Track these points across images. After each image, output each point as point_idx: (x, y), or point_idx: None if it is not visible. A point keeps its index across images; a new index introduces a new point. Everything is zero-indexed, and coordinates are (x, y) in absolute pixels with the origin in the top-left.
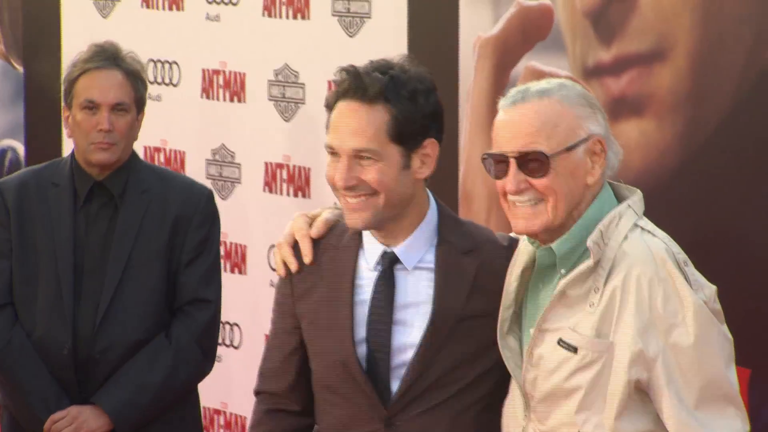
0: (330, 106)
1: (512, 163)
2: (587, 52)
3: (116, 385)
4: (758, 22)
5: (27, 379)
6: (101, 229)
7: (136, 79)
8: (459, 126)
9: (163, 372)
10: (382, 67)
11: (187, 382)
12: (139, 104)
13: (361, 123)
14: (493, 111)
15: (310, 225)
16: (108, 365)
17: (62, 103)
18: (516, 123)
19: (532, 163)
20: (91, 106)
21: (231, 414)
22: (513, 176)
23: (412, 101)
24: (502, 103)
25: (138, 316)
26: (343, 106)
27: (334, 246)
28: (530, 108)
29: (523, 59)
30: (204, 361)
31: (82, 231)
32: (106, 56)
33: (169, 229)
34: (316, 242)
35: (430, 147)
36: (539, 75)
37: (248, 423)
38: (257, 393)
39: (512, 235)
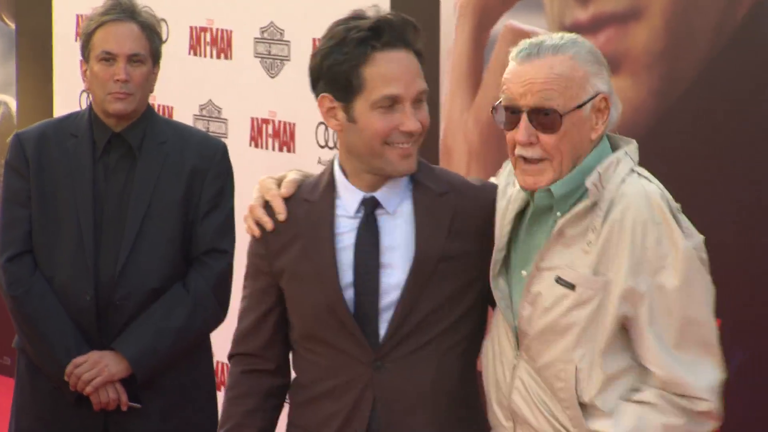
0: (361, 62)
1: (524, 116)
2: (564, 10)
3: (135, 332)
4: None
5: (48, 326)
6: (120, 180)
7: (151, 32)
8: (440, 84)
9: (181, 319)
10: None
11: (203, 329)
12: (155, 57)
13: (416, 67)
14: (473, 69)
15: (278, 186)
16: (127, 312)
17: (52, 58)
18: (530, 77)
19: (544, 118)
20: (108, 58)
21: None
22: (524, 128)
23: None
24: (515, 54)
25: (156, 265)
26: (395, 55)
27: (307, 200)
28: (545, 63)
29: (502, 18)
30: (219, 309)
31: (102, 182)
32: (122, 9)
33: (186, 180)
34: (287, 200)
35: None
36: (518, 34)
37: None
38: (231, 356)
39: (492, 180)
